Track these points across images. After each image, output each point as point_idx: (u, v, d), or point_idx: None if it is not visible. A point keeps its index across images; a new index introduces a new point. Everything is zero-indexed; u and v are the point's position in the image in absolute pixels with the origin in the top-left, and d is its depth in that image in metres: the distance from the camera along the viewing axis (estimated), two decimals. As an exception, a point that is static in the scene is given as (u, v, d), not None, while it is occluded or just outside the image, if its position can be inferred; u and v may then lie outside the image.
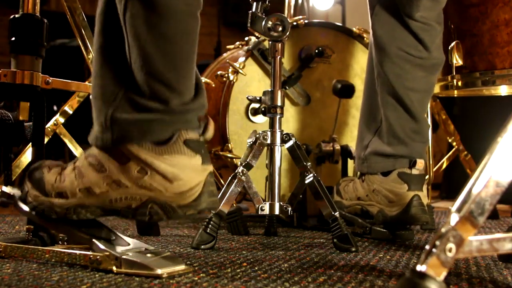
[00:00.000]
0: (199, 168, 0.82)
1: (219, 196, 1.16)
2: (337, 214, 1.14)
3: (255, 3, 1.23)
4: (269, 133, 1.22)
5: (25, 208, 0.91)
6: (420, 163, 1.26)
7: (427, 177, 1.32)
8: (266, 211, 1.21)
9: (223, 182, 1.70)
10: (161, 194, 0.81)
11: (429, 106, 1.81)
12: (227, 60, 1.74)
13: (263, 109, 1.25)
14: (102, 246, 0.83)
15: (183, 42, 0.85)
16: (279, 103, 1.22)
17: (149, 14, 0.81)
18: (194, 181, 0.82)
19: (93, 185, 0.85)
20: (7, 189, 0.94)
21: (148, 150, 0.81)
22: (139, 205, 0.82)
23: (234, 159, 1.64)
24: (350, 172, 1.67)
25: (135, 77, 0.83)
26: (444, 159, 2.11)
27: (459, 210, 0.58)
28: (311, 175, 1.20)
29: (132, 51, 0.83)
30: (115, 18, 0.84)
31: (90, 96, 0.88)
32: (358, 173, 1.42)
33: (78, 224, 0.88)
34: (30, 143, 1.17)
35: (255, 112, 1.68)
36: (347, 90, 1.73)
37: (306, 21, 1.77)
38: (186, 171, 0.81)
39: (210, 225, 1.12)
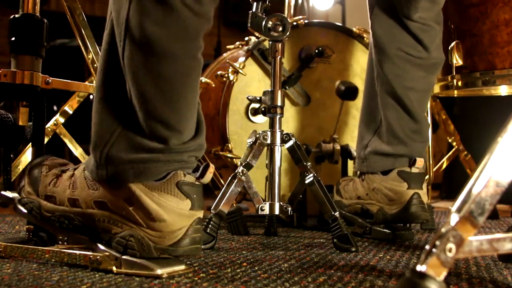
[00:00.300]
0: (186, 213, 0.81)
1: (219, 196, 1.16)
2: (337, 214, 1.14)
3: (255, 3, 1.23)
4: (269, 133, 1.22)
5: (25, 211, 0.92)
6: (420, 162, 1.27)
7: (427, 177, 1.32)
8: (266, 211, 1.21)
9: (223, 182, 1.70)
10: (141, 229, 0.80)
11: (429, 106, 1.81)
12: (227, 60, 1.74)
13: (263, 109, 1.25)
14: (102, 246, 0.83)
15: (182, 83, 0.83)
16: (279, 103, 1.22)
17: (146, 56, 0.80)
18: (177, 225, 0.80)
19: (81, 199, 0.86)
20: (6, 193, 0.95)
21: (140, 183, 0.81)
22: (118, 233, 0.82)
23: (234, 159, 1.64)
24: (350, 172, 1.67)
25: (136, 116, 0.82)
26: (444, 159, 2.11)
27: (459, 210, 0.58)
28: (311, 175, 1.20)
29: (132, 91, 0.82)
30: (116, 59, 0.84)
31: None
32: (358, 172, 1.42)
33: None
34: (30, 143, 1.17)
35: (255, 112, 1.68)
36: (351, 92, 1.73)
37: (306, 21, 1.77)
38: (171, 213, 0.80)
39: (210, 225, 1.12)
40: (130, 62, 0.81)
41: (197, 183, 0.83)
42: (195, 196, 0.82)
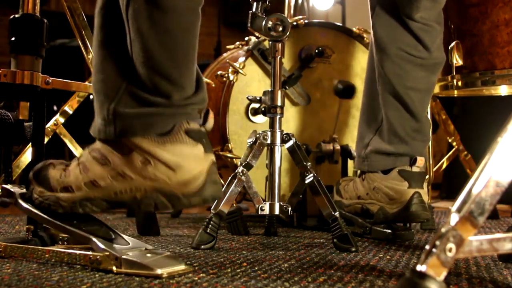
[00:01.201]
0: (202, 157, 0.83)
1: (219, 196, 1.16)
2: (337, 214, 1.14)
3: (255, 3, 1.23)
4: (269, 133, 1.22)
5: (25, 205, 0.91)
6: (421, 161, 1.27)
7: (427, 176, 1.32)
8: (266, 211, 1.21)
9: (223, 182, 1.70)
10: (165, 183, 0.82)
11: (429, 106, 1.81)
12: (227, 60, 1.74)
13: (263, 109, 1.25)
14: (102, 246, 0.83)
15: (185, 37, 0.85)
16: (279, 103, 1.22)
17: (151, 9, 0.81)
18: (197, 170, 0.82)
19: (97, 178, 0.85)
20: (7, 186, 0.94)
21: (151, 140, 0.82)
22: (144, 196, 0.83)
23: (234, 159, 1.64)
24: (350, 172, 1.67)
25: (138, 71, 0.83)
26: (444, 159, 2.11)
27: (459, 210, 0.58)
28: (311, 175, 1.20)
29: (134, 45, 0.83)
30: (116, 13, 0.85)
31: (92, 90, 0.88)
32: (358, 172, 1.42)
33: (79, 222, 0.88)
34: (30, 143, 1.17)
35: (255, 112, 1.68)
36: (348, 91, 1.74)
37: (306, 21, 1.77)
38: (189, 159, 0.82)
39: (210, 225, 1.12)
40: (135, 15, 0.82)
41: (202, 129, 0.85)
42: (204, 140, 0.84)
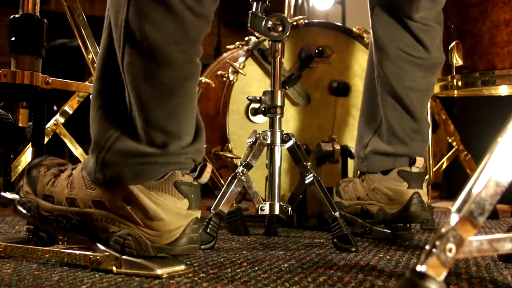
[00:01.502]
0: (183, 213, 0.81)
1: (219, 196, 1.16)
2: (337, 214, 1.14)
3: (255, 3, 1.23)
4: (269, 133, 1.22)
5: (25, 212, 0.92)
6: (420, 161, 1.27)
7: (427, 176, 1.32)
8: (266, 211, 1.21)
9: (223, 182, 1.70)
10: (139, 228, 0.80)
11: (429, 106, 1.81)
12: (227, 60, 1.74)
13: (263, 109, 1.25)
14: (102, 246, 0.83)
15: (182, 89, 0.83)
16: (279, 103, 1.22)
17: (145, 62, 0.80)
18: (174, 225, 0.80)
19: (79, 199, 0.86)
20: (6, 194, 0.95)
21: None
22: (116, 232, 0.82)
23: (234, 159, 1.64)
24: (350, 172, 1.67)
25: (133, 123, 0.82)
26: (444, 159, 2.11)
27: (459, 210, 0.58)
28: (311, 175, 1.20)
29: (130, 98, 0.82)
30: (114, 65, 0.83)
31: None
32: (358, 173, 1.42)
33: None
34: (30, 143, 1.16)
35: (255, 112, 1.68)
36: (342, 89, 1.74)
37: (306, 21, 1.77)
38: (169, 213, 0.80)
39: (210, 225, 1.12)
40: (130, 68, 0.81)
41: (194, 183, 0.83)
42: (192, 196, 0.82)
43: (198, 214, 0.83)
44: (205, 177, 0.84)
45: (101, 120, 0.85)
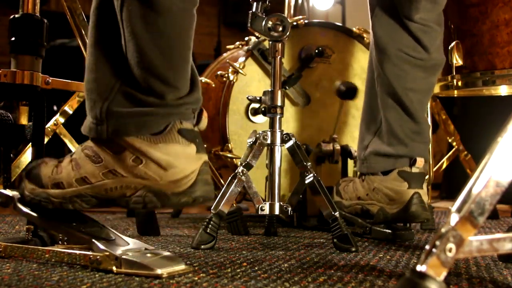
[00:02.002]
0: (194, 157, 0.83)
1: (219, 196, 1.16)
2: (337, 214, 1.14)
3: (255, 3, 1.23)
4: (269, 133, 1.22)
5: (24, 209, 0.92)
6: (420, 161, 1.27)
7: (427, 176, 1.32)
8: (266, 211, 1.21)
9: (223, 182, 1.70)
10: (156, 182, 0.82)
11: (429, 106, 1.81)
12: (227, 60, 1.74)
13: (263, 109, 1.25)
14: (102, 246, 0.83)
15: (180, 38, 0.85)
16: (279, 103, 1.22)
17: (146, 11, 0.82)
18: (189, 169, 0.82)
19: (89, 175, 0.86)
20: (6, 191, 0.95)
21: (143, 139, 0.82)
22: (134, 193, 0.83)
23: (234, 159, 1.64)
24: (350, 172, 1.67)
25: (132, 72, 0.84)
26: (444, 159, 2.11)
27: (459, 210, 0.58)
28: (311, 175, 1.20)
29: (128, 46, 0.83)
30: (110, 13, 0.85)
31: (84, 89, 0.88)
32: (358, 173, 1.42)
33: (78, 224, 0.88)
34: (30, 143, 1.16)
35: (255, 112, 1.68)
36: (350, 92, 1.73)
37: (306, 21, 1.77)
38: (181, 159, 0.82)
39: (210, 225, 1.12)
40: (129, 17, 0.82)
41: (195, 129, 0.85)
42: (197, 140, 0.84)
43: (206, 157, 0.85)
44: (204, 122, 0.86)
45: (100, 69, 0.86)
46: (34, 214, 0.91)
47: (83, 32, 1.58)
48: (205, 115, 0.87)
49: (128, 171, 0.83)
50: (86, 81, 0.88)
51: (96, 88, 0.86)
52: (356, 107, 1.82)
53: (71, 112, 1.62)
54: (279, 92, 1.23)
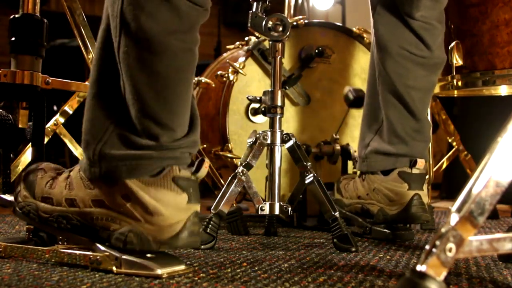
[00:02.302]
0: (184, 207, 0.81)
1: (219, 196, 1.16)
2: (337, 214, 1.14)
3: (255, 3, 1.23)
4: (269, 133, 1.22)
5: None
6: (421, 163, 1.27)
7: (427, 177, 1.32)
8: (266, 211, 1.21)
9: (223, 182, 1.70)
10: (140, 224, 0.80)
11: (429, 106, 1.81)
12: (227, 60, 1.74)
13: (263, 109, 1.25)
14: (102, 247, 0.83)
15: (177, 79, 0.83)
16: (279, 103, 1.22)
17: (141, 51, 0.80)
18: (175, 219, 0.80)
19: (78, 198, 0.86)
20: (6, 196, 0.95)
21: (135, 180, 0.81)
22: (117, 230, 0.82)
23: (234, 159, 1.64)
24: (350, 171, 1.67)
25: (128, 113, 0.82)
26: (444, 159, 2.11)
27: (459, 210, 0.58)
28: (311, 175, 1.20)
29: (126, 87, 0.82)
30: (111, 54, 0.84)
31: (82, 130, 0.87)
32: (358, 172, 1.42)
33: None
34: (30, 143, 1.16)
35: (255, 112, 1.68)
36: (358, 101, 1.70)
37: (306, 21, 1.77)
38: (169, 207, 0.80)
39: (210, 225, 1.12)
40: (125, 57, 0.81)
41: (192, 177, 0.83)
42: (191, 189, 0.82)
43: (197, 207, 0.83)
44: (203, 171, 0.84)
45: (96, 109, 0.85)
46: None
47: (83, 32, 1.58)
48: (206, 165, 0.83)
49: (116, 206, 0.82)
50: (83, 120, 0.87)
51: (91, 129, 0.85)
52: (356, 107, 1.81)
53: (71, 112, 1.62)
54: (279, 92, 1.23)
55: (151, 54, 0.80)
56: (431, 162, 1.94)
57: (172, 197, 0.80)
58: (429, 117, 1.81)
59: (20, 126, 1.16)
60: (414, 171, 1.27)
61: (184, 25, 0.83)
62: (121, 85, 0.83)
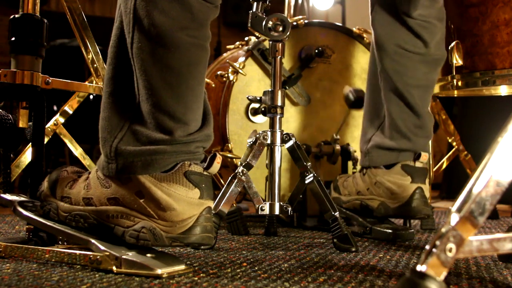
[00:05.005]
0: (196, 202, 0.82)
1: (219, 196, 1.16)
2: (337, 214, 1.14)
3: (255, 3, 1.23)
4: (269, 133, 1.22)
5: (24, 213, 0.94)
6: (425, 156, 1.28)
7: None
8: (266, 211, 1.21)
9: (223, 182, 1.70)
10: (153, 220, 0.81)
11: (430, 102, 1.81)
12: (227, 60, 1.74)
13: (263, 109, 1.25)
14: (102, 246, 0.83)
15: (189, 73, 0.84)
16: (279, 103, 1.22)
17: (154, 46, 0.82)
18: (187, 214, 0.81)
19: (95, 197, 0.87)
20: (6, 195, 0.96)
21: (148, 175, 0.82)
22: (131, 226, 0.83)
23: (234, 159, 1.64)
24: (350, 171, 1.67)
25: (142, 109, 0.84)
26: (444, 159, 2.11)
27: (459, 210, 0.58)
28: (311, 175, 1.20)
29: (139, 82, 0.84)
30: (125, 52, 0.85)
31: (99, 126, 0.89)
32: (358, 168, 1.42)
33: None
34: (30, 143, 1.16)
35: (255, 112, 1.68)
36: (359, 102, 1.71)
37: (306, 21, 1.77)
38: (181, 202, 0.81)
39: (210, 225, 1.12)
40: (138, 53, 0.82)
41: (205, 173, 0.84)
42: (203, 185, 0.83)
43: (210, 203, 0.84)
44: (215, 167, 0.84)
45: (112, 107, 0.86)
46: (34, 217, 0.93)
47: (83, 32, 1.58)
48: (218, 160, 0.84)
49: (130, 202, 0.83)
50: (100, 118, 0.88)
51: (107, 126, 0.86)
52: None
53: (71, 112, 1.62)
54: (279, 92, 1.23)
55: (163, 49, 0.82)
56: (431, 162, 1.94)
57: (184, 192, 0.81)
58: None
59: (20, 126, 1.16)
60: (418, 164, 1.27)
61: (196, 21, 0.84)
62: (135, 82, 0.84)
